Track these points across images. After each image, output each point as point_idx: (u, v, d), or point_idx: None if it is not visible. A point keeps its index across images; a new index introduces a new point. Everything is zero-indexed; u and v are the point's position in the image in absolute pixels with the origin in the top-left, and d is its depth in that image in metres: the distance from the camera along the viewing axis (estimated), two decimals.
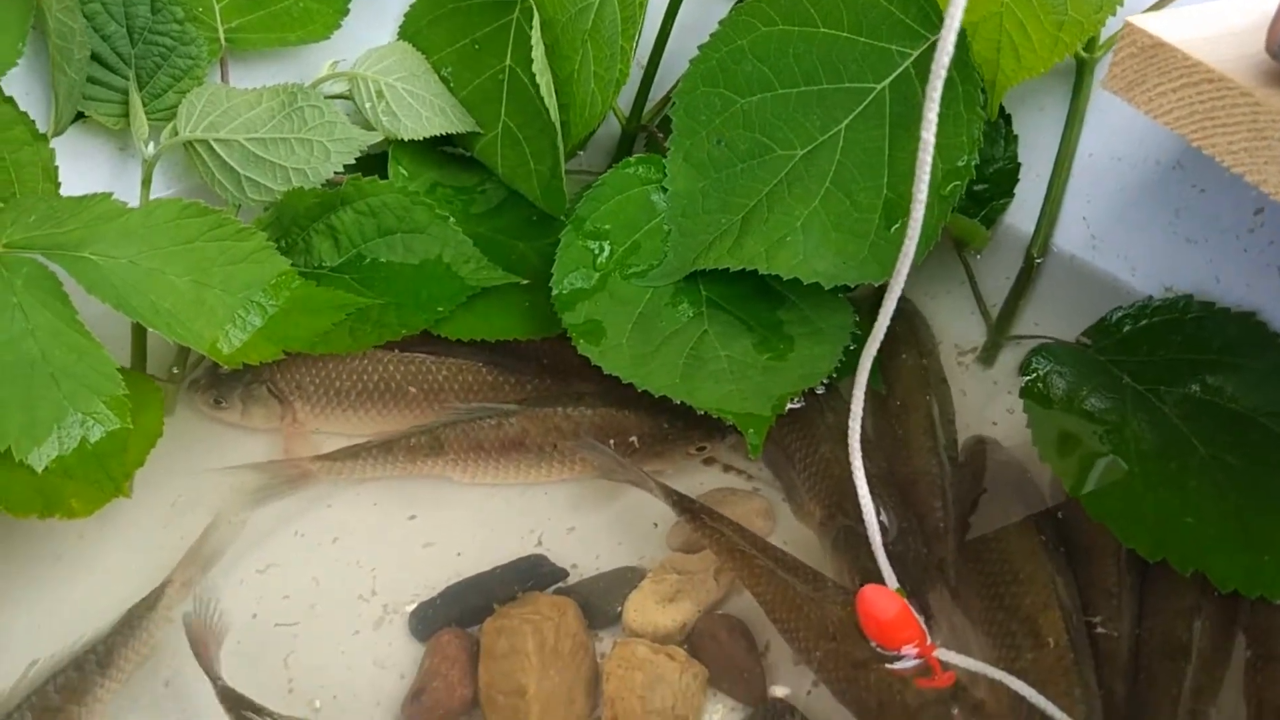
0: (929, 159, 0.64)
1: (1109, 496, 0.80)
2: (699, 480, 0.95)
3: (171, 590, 0.84)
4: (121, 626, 0.81)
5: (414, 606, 0.87)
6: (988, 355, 1.00)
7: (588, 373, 0.92)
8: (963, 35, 0.86)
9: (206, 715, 0.78)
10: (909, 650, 0.73)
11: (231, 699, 0.75)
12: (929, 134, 0.62)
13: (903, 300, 1.01)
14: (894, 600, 0.73)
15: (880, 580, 0.77)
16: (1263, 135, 0.63)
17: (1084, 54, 0.93)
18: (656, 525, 0.91)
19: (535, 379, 0.99)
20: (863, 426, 0.78)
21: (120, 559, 0.90)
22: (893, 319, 0.97)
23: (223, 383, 0.97)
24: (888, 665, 0.73)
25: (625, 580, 0.87)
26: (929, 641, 0.73)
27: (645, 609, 0.84)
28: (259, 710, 0.75)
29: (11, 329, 0.82)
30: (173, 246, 0.89)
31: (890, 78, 0.90)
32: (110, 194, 0.89)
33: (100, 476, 0.82)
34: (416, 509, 0.94)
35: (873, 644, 0.74)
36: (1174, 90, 0.68)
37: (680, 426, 0.93)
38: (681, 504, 0.85)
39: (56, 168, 0.96)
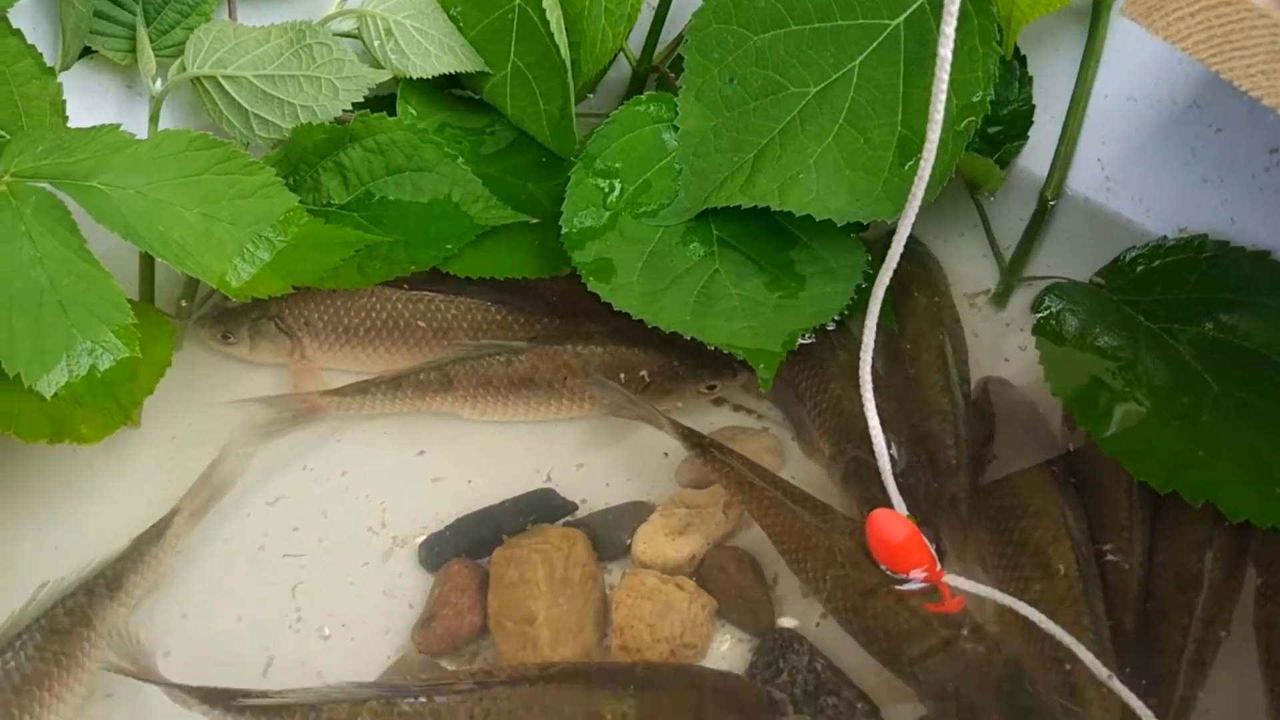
0: (945, 76, 0.63)
1: (1121, 430, 0.79)
2: (709, 419, 0.94)
3: (179, 519, 0.84)
4: (130, 553, 0.82)
5: (423, 538, 0.87)
6: (1000, 297, 0.99)
7: (597, 312, 0.92)
8: None
9: None
10: (917, 574, 0.73)
11: (203, 695, 0.73)
12: (946, 50, 0.61)
13: (916, 243, 1.01)
14: (904, 524, 0.73)
15: None
16: None
17: None
18: (667, 455, 0.91)
19: (544, 318, 0.98)
20: (874, 365, 0.78)
21: (128, 490, 0.90)
22: (906, 261, 0.97)
23: (231, 318, 0.96)
24: (896, 586, 0.73)
25: (634, 514, 0.87)
26: (938, 568, 0.73)
27: (654, 541, 0.84)
28: (240, 695, 0.73)
29: (20, 257, 0.82)
30: (181, 178, 0.89)
31: (905, 14, 0.89)
32: (118, 125, 0.89)
33: (109, 404, 0.81)
34: (426, 445, 0.94)
35: (882, 567, 0.74)
36: (1192, 14, 0.67)
37: (690, 365, 0.93)
38: (691, 438, 0.85)
39: (64, 101, 0.95)
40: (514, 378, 0.93)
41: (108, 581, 0.79)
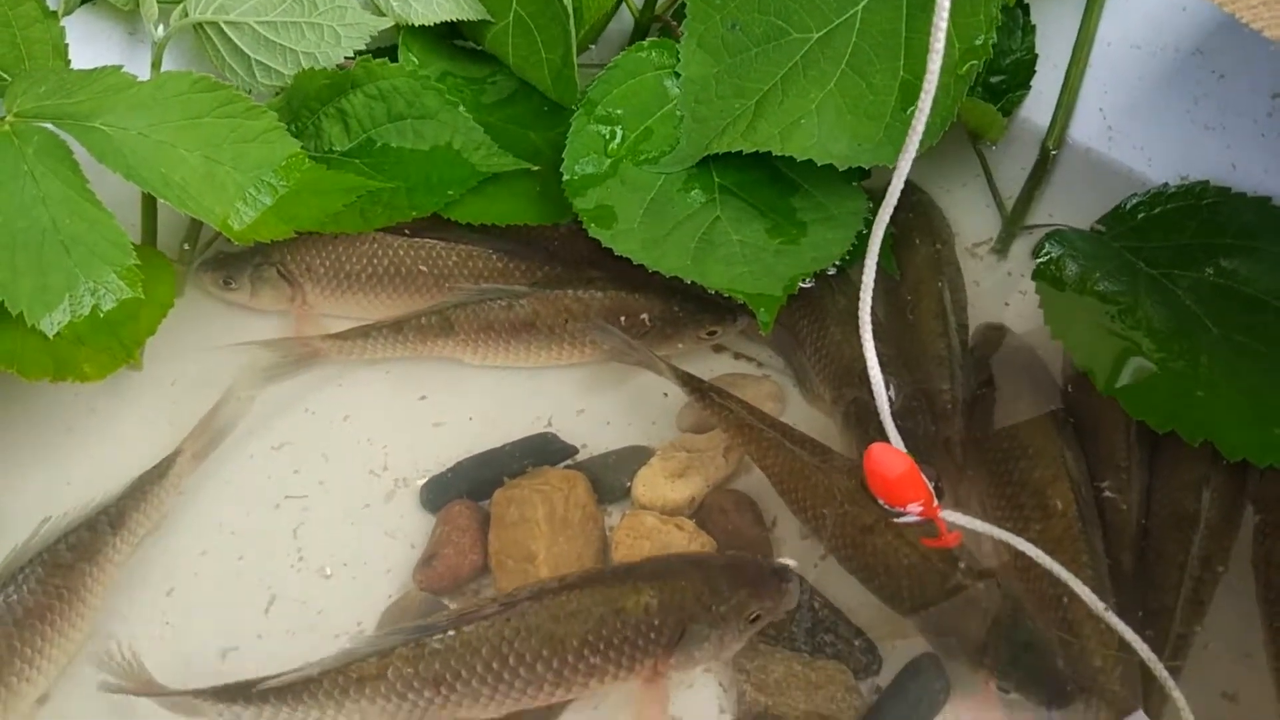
0: (945, 16, 0.63)
1: (1119, 372, 0.80)
2: (710, 367, 0.95)
3: (181, 460, 0.85)
4: (133, 491, 0.82)
5: (425, 481, 0.87)
6: (1002, 246, 0.99)
7: (597, 260, 0.92)
8: None
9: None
10: (914, 508, 0.73)
11: (217, 694, 0.72)
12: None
13: (918, 192, 1.01)
14: (901, 458, 0.73)
15: None
16: None
17: None
18: (666, 395, 0.92)
19: (545, 265, 0.98)
20: (875, 311, 0.79)
21: (131, 433, 0.90)
22: (908, 210, 0.98)
23: (232, 263, 0.96)
24: (894, 519, 0.74)
25: (635, 457, 0.87)
26: (935, 503, 0.74)
27: (654, 484, 0.84)
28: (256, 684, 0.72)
29: (23, 196, 0.82)
30: (183, 120, 0.89)
31: None
32: (120, 66, 0.89)
33: (111, 343, 0.82)
34: (427, 389, 0.94)
35: (879, 502, 0.75)
36: None
37: (691, 309, 0.93)
38: (689, 383, 0.85)
39: (66, 46, 0.95)
40: (515, 322, 0.93)
41: (110, 519, 0.80)
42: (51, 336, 0.80)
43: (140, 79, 0.89)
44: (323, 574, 0.83)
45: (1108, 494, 0.78)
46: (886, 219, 0.75)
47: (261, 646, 0.80)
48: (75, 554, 0.77)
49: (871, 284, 0.77)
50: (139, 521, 0.81)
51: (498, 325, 0.93)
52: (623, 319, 0.91)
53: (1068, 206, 0.99)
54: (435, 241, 0.98)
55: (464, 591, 0.81)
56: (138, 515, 0.81)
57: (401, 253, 0.98)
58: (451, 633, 0.71)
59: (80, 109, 0.86)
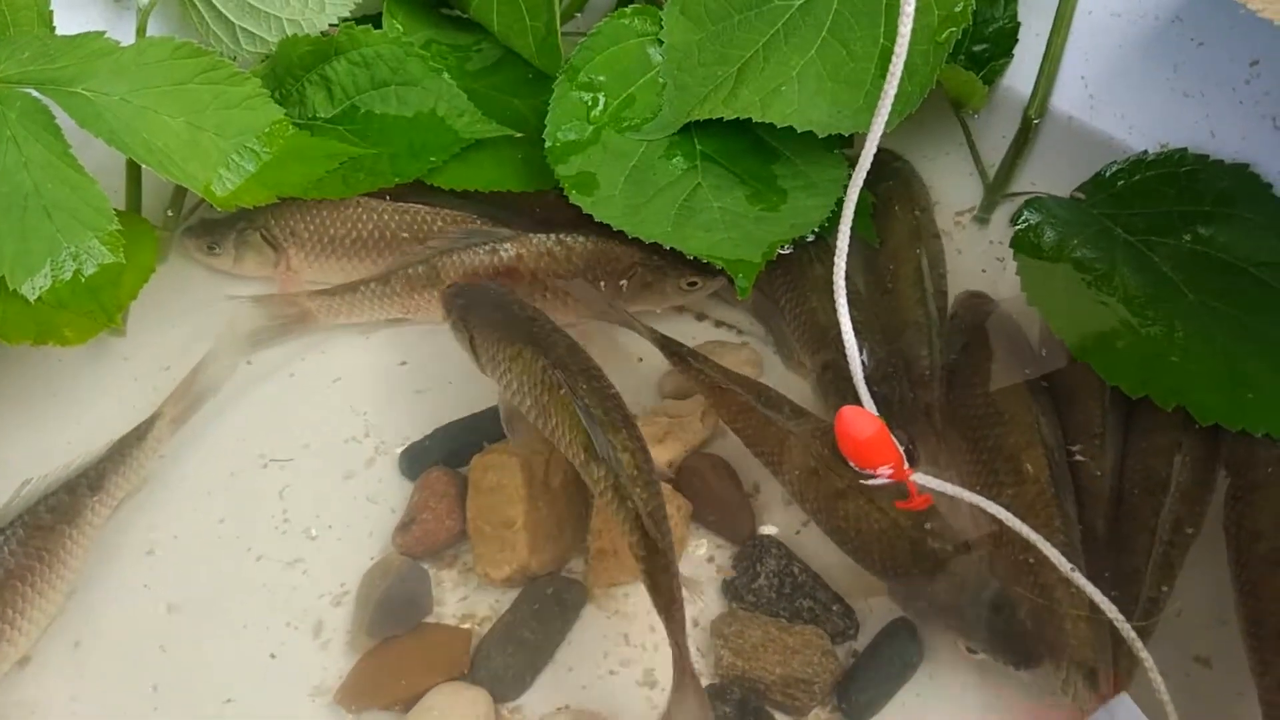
0: None
1: (1094, 337, 0.80)
2: (691, 333, 0.95)
3: (160, 424, 0.85)
4: (112, 454, 0.83)
5: (404, 447, 0.88)
6: (984, 215, 1.00)
7: (579, 225, 0.92)
8: None
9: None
10: (885, 471, 0.74)
11: None
12: None
13: (899, 160, 1.01)
14: (871, 420, 0.74)
15: None
16: None
17: None
18: (641, 361, 0.92)
19: (528, 231, 0.98)
20: (853, 280, 0.79)
21: (114, 398, 0.91)
22: (888, 178, 0.98)
23: (216, 228, 0.97)
24: (864, 481, 0.74)
25: None
26: (905, 466, 0.74)
27: None
28: None
29: (5, 161, 0.83)
30: (166, 86, 0.89)
31: None
32: (104, 32, 0.89)
33: (93, 307, 0.82)
34: (409, 356, 0.94)
35: (850, 464, 0.75)
36: None
37: (671, 260, 0.92)
38: (667, 345, 0.86)
39: (51, 12, 0.95)
40: (499, 267, 0.93)
41: (89, 481, 0.80)
42: (33, 301, 0.81)
43: (124, 45, 0.89)
44: (309, 535, 0.84)
45: (1081, 459, 0.78)
46: (860, 182, 0.75)
47: (244, 603, 0.81)
48: (55, 516, 0.78)
49: (845, 247, 0.78)
50: (118, 484, 0.82)
51: (483, 271, 0.93)
52: (602, 285, 0.92)
53: (1050, 174, 0.99)
54: (420, 207, 0.98)
55: (442, 557, 0.82)
56: (117, 478, 0.82)
57: (385, 217, 0.98)
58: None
59: (63, 74, 0.87)
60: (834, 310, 0.79)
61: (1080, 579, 0.69)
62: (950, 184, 1.02)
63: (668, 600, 0.68)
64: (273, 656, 0.79)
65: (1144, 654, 0.68)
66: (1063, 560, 0.69)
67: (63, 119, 0.85)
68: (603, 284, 0.92)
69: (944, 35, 0.87)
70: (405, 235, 0.96)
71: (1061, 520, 0.75)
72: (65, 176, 0.84)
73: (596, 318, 0.92)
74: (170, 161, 0.87)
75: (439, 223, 0.98)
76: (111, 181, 0.92)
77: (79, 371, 0.92)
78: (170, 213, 0.99)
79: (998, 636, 0.71)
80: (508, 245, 0.92)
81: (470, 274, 0.92)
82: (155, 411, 0.85)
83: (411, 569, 0.80)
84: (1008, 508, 0.74)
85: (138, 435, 0.84)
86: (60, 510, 0.78)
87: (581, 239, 0.93)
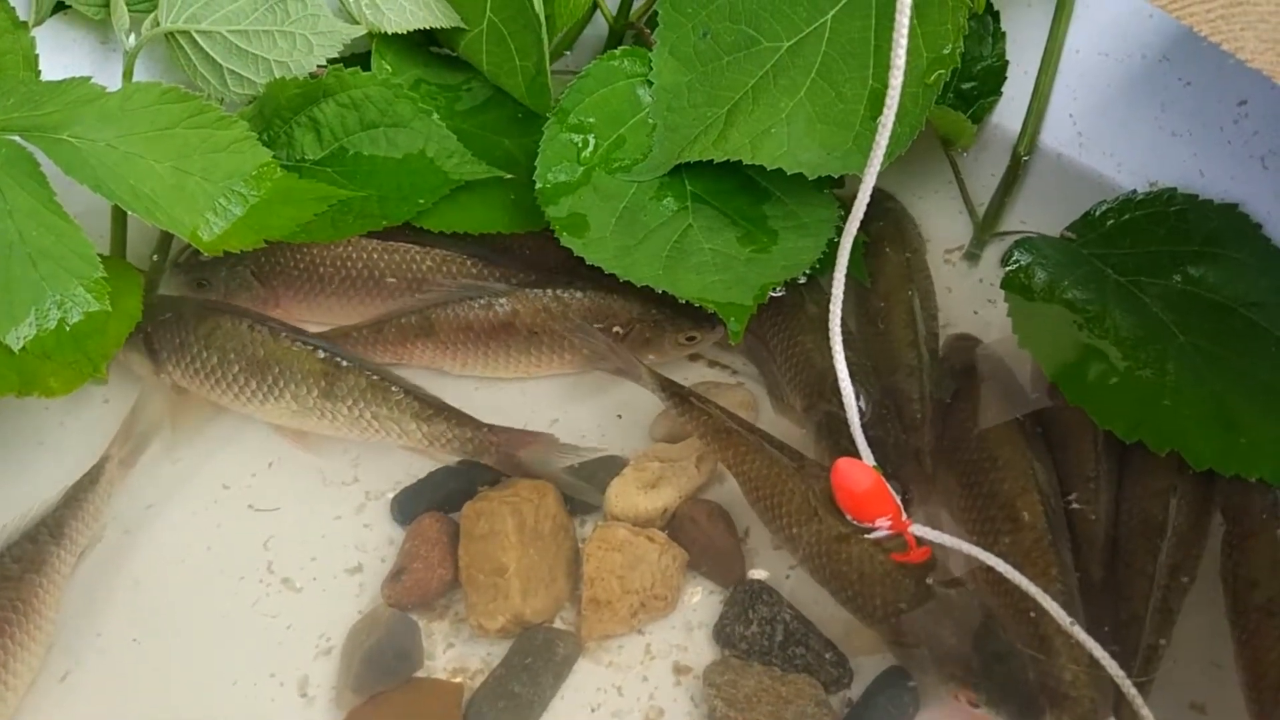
0: (904, 39, 0.63)
1: (1087, 380, 0.80)
2: (684, 375, 0.95)
3: (110, 466, 0.85)
4: (68, 500, 0.82)
5: (395, 493, 0.87)
6: (975, 253, 1.00)
7: (570, 267, 0.92)
8: None
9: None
10: (883, 523, 0.73)
11: None
12: (903, 16, 0.61)
13: (890, 199, 1.01)
14: (868, 473, 0.73)
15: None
16: (1238, 2, 0.63)
17: None
18: (641, 405, 0.91)
19: (520, 273, 0.98)
20: (845, 320, 0.79)
21: (102, 444, 0.89)
22: (879, 218, 0.98)
23: (206, 265, 0.96)
24: (862, 534, 0.74)
25: (608, 467, 0.87)
26: (904, 517, 0.74)
27: (627, 494, 0.84)
28: None
29: None
30: (152, 131, 0.89)
31: None
32: (89, 78, 0.88)
33: (78, 357, 0.81)
34: None
35: (847, 517, 0.75)
36: None
37: (669, 314, 0.92)
38: (667, 388, 0.85)
39: (37, 56, 0.95)
40: (495, 323, 0.93)
41: (49, 530, 0.80)
42: (17, 351, 0.80)
43: (110, 90, 0.89)
44: (293, 587, 0.83)
45: (1076, 505, 0.78)
46: (854, 232, 0.75)
47: (228, 657, 0.80)
48: (21, 566, 0.77)
49: (841, 296, 0.77)
50: (78, 530, 0.81)
51: (477, 325, 0.92)
52: (601, 325, 0.91)
53: (1040, 212, 0.99)
54: (410, 246, 0.97)
55: (433, 607, 0.81)
56: (76, 524, 0.81)
57: (375, 256, 0.97)
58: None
59: (48, 121, 0.86)
60: (827, 352, 0.79)
61: (1080, 633, 0.69)
62: (940, 222, 1.02)
63: None
64: (256, 714, 0.78)
65: (1145, 712, 0.67)
66: (1063, 614, 0.69)
67: (48, 164, 0.85)
68: (602, 324, 0.92)
69: (933, 78, 0.87)
70: (392, 280, 0.96)
71: (1059, 569, 0.74)
72: (50, 223, 0.83)
73: (593, 366, 0.91)
74: (156, 207, 0.86)
75: (429, 262, 0.97)
76: (98, 223, 0.91)
77: (64, 421, 0.91)
78: (156, 257, 0.98)
79: (1002, 687, 0.71)
80: (503, 300, 0.92)
81: (464, 328, 0.92)
82: (103, 455, 0.85)
83: (400, 621, 0.79)
84: (1004, 555, 0.73)
85: (90, 480, 0.83)
86: (26, 560, 0.78)
87: (579, 293, 0.92)
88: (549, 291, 0.93)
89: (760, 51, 0.92)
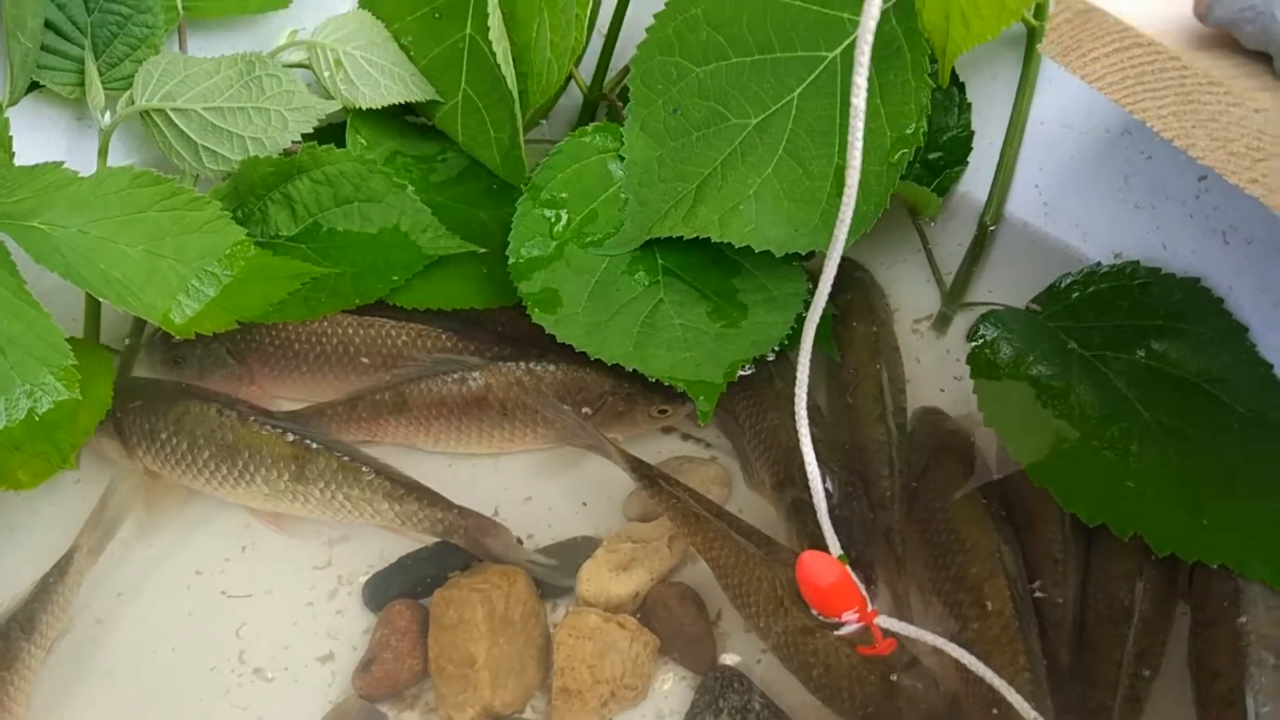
0: (860, 124, 0.64)
1: (1051, 462, 0.81)
2: (657, 448, 0.95)
3: (80, 556, 0.85)
4: (38, 594, 0.82)
5: (368, 577, 0.87)
6: (942, 323, 1.00)
7: (545, 341, 0.92)
8: (912, 3, 0.85)
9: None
10: (850, 616, 0.74)
11: None
12: (859, 100, 0.62)
13: (859, 270, 1.02)
14: (833, 567, 0.73)
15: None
16: (1189, 99, 0.64)
17: (1033, 21, 0.92)
18: (614, 483, 0.91)
19: (494, 346, 0.99)
20: (814, 396, 0.79)
21: (76, 528, 0.90)
22: (847, 289, 0.99)
23: (182, 343, 0.96)
24: (830, 629, 0.74)
25: (579, 549, 0.87)
26: (870, 609, 0.74)
27: (599, 578, 0.84)
28: None
29: None
30: (124, 215, 0.89)
31: (842, 45, 0.90)
32: (61, 163, 0.89)
33: (47, 447, 0.82)
34: None
35: (813, 612, 0.75)
36: (1107, 55, 0.68)
37: (641, 388, 0.93)
38: (638, 469, 0.86)
39: (11, 138, 0.95)
40: (468, 397, 0.93)
41: (20, 624, 0.80)
42: None
43: (82, 175, 0.89)
44: (265, 677, 0.83)
45: (1040, 594, 0.78)
46: (818, 316, 0.75)
47: None
48: None
49: (806, 380, 0.78)
50: (49, 623, 0.81)
51: (451, 400, 0.93)
52: (573, 399, 0.92)
53: (1006, 281, 1.00)
54: (385, 321, 0.98)
55: (403, 698, 0.81)
56: (47, 617, 0.81)
57: (350, 332, 0.98)
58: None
59: (19, 208, 0.87)
60: (794, 429, 0.79)
61: None
62: (908, 291, 1.03)
63: None
64: None
65: None
66: (1028, 710, 0.69)
67: (17, 248, 0.85)
68: (574, 398, 0.92)
69: (896, 156, 0.88)
70: (365, 361, 0.96)
71: (1026, 656, 0.74)
72: (19, 312, 0.83)
73: (565, 442, 0.92)
74: (128, 292, 0.87)
75: (403, 337, 0.98)
76: (72, 299, 0.92)
77: (36, 507, 0.91)
78: (129, 340, 0.99)
79: None
80: (476, 374, 0.92)
81: (438, 403, 0.92)
82: (72, 545, 0.85)
83: (369, 714, 0.79)
84: (972, 642, 0.74)
85: (59, 571, 0.83)
86: None
87: (551, 367, 0.93)
88: (522, 365, 0.94)
89: (729, 128, 0.93)
